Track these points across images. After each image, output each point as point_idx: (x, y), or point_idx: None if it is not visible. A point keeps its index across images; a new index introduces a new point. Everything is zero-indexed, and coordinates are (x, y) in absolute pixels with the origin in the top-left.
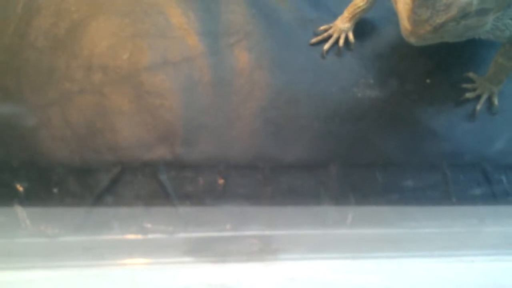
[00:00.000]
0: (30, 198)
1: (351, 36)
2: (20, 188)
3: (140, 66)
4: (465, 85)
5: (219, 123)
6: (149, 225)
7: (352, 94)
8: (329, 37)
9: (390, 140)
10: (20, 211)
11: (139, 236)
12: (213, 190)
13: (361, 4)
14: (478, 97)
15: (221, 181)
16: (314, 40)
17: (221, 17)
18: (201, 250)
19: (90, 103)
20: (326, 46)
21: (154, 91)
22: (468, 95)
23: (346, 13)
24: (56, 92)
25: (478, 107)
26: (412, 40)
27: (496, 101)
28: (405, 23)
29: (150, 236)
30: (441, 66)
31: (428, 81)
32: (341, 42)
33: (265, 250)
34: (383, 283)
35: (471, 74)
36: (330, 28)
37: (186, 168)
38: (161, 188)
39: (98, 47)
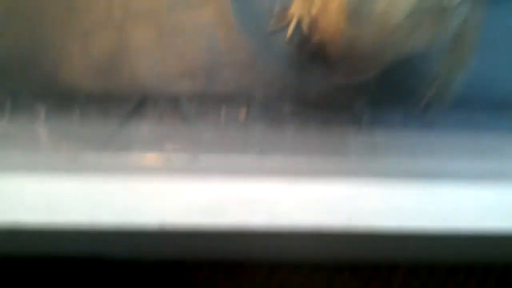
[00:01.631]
0: (51, 120)
1: None
2: (42, 110)
3: (163, 4)
4: None
5: (242, 61)
6: (170, 146)
7: None
8: None
9: None
10: (41, 130)
11: (161, 156)
12: (237, 120)
13: None
14: None
15: (243, 111)
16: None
17: None
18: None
19: (111, 39)
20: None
21: (176, 29)
22: None
23: None
24: (76, 28)
25: None
26: None
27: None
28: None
29: (171, 155)
30: None
31: None
32: None
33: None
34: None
35: None
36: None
37: (209, 100)
38: (184, 118)
39: None
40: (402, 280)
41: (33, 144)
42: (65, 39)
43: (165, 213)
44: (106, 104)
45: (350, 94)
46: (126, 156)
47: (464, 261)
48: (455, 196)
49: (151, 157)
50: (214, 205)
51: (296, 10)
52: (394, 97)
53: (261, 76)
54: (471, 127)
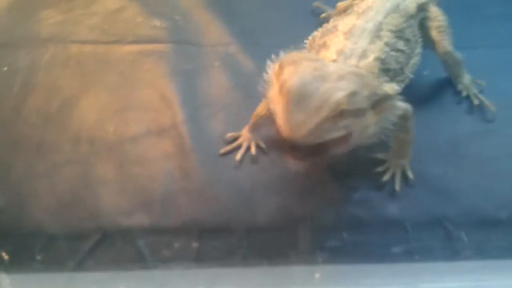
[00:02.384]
0: (14, 265)
1: (260, 143)
2: (5, 256)
3: (125, 137)
4: (379, 169)
5: (195, 188)
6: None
7: None
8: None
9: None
10: (3, 279)
11: None
12: (188, 253)
13: (261, 111)
14: (393, 175)
15: (195, 245)
16: (222, 150)
17: (202, 90)
18: None
19: (75, 174)
20: (238, 156)
21: (136, 160)
22: (385, 177)
23: (251, 122)
24: (44, 164)
25: (397, 187)
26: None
27: (410, 174)
28: (283, 126)
29: None
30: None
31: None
32: (252, 149)
33: None
34: None
35: (378, 155)
36: (239, 136)
37: (162, 233)
38: (139, 254)
39: (86, 121)
40: None
41: None
42: (32, 177)
43: None
44: (68, 243)
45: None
46: None
47: None
48: None
49: None
50: None
51: (245, 135)
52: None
53: (212, 204)
54: None
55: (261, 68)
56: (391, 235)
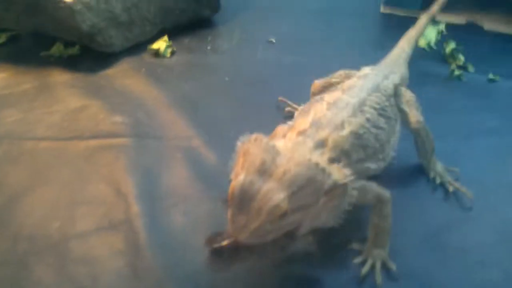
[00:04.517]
0: None
1: None
2: None
3: (70, 234)
4: (356, 260)
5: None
6: None
7: None
8: None
9: None
10: None
11: None
12: None
13: None
14: (373, 266)
15: None
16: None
17: (161, 181)
18: None
19: (9, 275)
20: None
21: (80, 259)
22: (364, 270)
23: None
24: None
25: (377, 279)
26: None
27: (391, 265)
28: (228, 227)
29: None
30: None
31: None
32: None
33: None
34: None
35: (354, 245)
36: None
37: None
38: None
39: (30, 218)
40: None
41: None
42: None
43: None
44: None
45: None
46: None
47: None
48: None
49: None
50: None
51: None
52: None
53: None
54: None
55: (224, 159)
56: None
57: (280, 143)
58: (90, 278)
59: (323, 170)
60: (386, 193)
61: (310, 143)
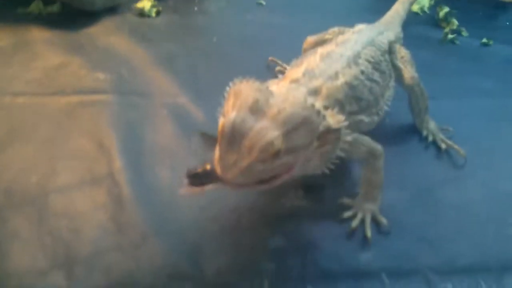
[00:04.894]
0: None
1: None
2: None
3: (50, 188)
4: (346, 214)
5: (130, 242)
6: None
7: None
8: None
9: (317, 254)
10: None
11: None
12: None
13: None
14: (363, 221)
15: None
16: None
17: (146, 137)
18: None
19: None
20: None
21: (61, 213)
22: (354, 223)
23: None
24: None
25: (368, 233)
26: (228, 184)
27: (382, 219)
28: (216, 165)
29: None
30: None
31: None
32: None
33: None
34: None
35: (345, 200)
36: None
37: None
38: None
39: (7, 172)
40: None
41: None
42: None
43: None
44: None
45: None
46: None
47: None
48: None
49: None
50: None
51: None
52: None
53: (151, 260)
54: None
55: (211, 116)
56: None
57: (273, 88)
58: (71, 231)
59: (318, 112)
60: (378, 147)
61: (303, 90)
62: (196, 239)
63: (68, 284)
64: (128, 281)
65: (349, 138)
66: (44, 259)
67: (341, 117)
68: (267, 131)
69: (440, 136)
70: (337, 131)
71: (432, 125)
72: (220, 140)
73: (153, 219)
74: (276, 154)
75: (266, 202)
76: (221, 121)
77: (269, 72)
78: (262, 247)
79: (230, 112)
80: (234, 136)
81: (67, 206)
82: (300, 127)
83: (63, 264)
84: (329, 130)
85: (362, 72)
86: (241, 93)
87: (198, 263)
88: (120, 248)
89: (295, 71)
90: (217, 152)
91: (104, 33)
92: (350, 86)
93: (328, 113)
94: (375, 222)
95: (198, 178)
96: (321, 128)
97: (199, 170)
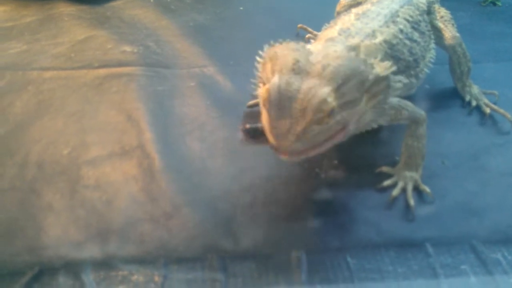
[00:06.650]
0: None
1: None
2: None
3: (81, 160)
4: (386, 182)
5: (162, 213)
6: None
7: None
8: None
9: (356, 224)
10: None
11: None
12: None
13: None
14: (404, 190)
15: (158, 279)
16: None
17: (174, 108)
18: None
19: (16, 201)
20: None
21: (93, 184)
22: (395, 192)
23: None
24: None
25: (410, 201)
26: (283, 156)
27: (425, 188)
28: (269, 135)
29: None
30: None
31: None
32: None
33: None
34: None
35: (384, 169)
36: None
37: (118, 266)
38: None
39: (38, 145)
40: None
41: None
42: None
43: None
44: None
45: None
46: None
47: None
48: None
49: None
50: None
51: None
52: None
53: (184, 230)
54: None
55: (240, 86)
56: (408, 258)
57: (309, 46)
58: (103, 202)
59: (365, 61)
60: (421, 112)
61: (341, 46)
62: (229, 209)
63: (103, 254)
64: (161, 252)
65: (399, 84)
66: (78, 230)
67: (388, 63)
68: (316, 89)
69: (485, 100)
70: (386, 78)
71: (475, 89)
72: (268, 108)
73: (185, 190)
74: (331, 112)
75: (300, 172)
76: (263, 88)
77: (299, 40)
78: (298, 219)
79: (271, 78)
80: (282, 101)
81: (99, 178)
82: (350, 79)
83: (97, 235)
84: (378, 79)
85: (401, 30)
86: (277, 56)
87: (232, 234)
88: (153, 219)
89: (329, 31)
90: (265, 122)
91: (130, 6)
92: (389, 44)
93: (375, 62)
94: (417, 191)
95: (258, 133)
96: (370, 77)
97: (259, 125)
